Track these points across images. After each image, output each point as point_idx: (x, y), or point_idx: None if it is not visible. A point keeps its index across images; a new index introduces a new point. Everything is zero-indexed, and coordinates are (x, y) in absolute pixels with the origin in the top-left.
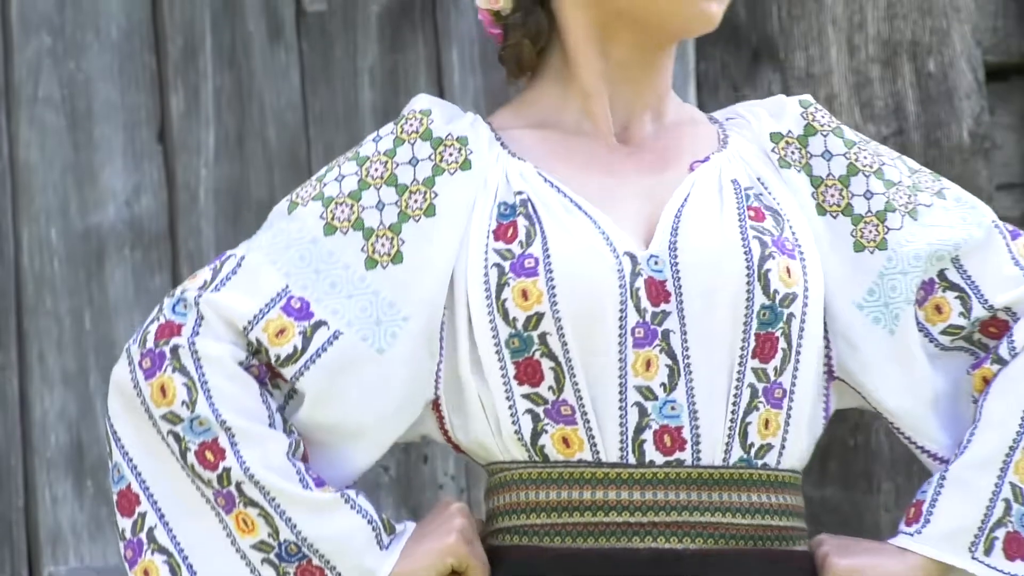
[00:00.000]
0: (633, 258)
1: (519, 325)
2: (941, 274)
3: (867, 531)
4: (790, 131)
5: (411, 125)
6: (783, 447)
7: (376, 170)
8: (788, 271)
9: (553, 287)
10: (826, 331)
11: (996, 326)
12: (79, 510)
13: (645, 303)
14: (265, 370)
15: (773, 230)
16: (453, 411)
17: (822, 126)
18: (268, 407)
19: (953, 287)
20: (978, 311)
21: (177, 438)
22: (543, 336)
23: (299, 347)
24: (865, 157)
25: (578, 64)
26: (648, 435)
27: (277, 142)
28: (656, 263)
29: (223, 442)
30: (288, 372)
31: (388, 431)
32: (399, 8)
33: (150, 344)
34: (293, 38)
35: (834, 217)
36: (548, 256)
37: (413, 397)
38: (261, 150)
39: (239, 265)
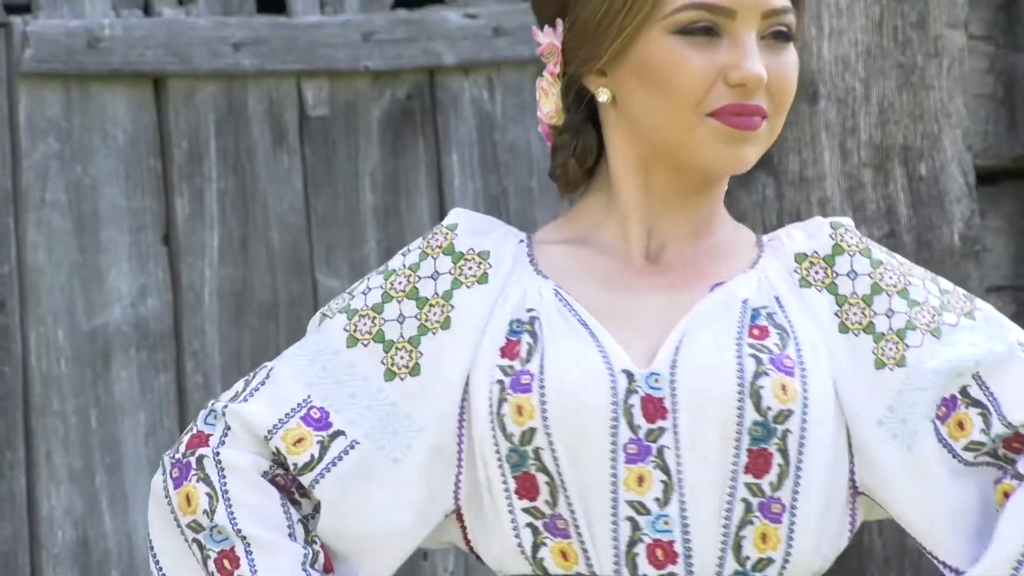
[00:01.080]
0: (630, 375)
1: (516, 440)
2: (963, 391)
3: None
4: (815, 251)
5: (436, 240)
6: (787, 560)
7: (400, 283)
8: (784, 388)
9: (545, 403)
10: (851, 447)
11: (1019, 441)
12: None
13: (639, 420)
14: (292, 480)
15: (774, 348)
16: (474, 521)
17: (849, 246)
18: (289, 517)
19: (975, 403)
20: (998, 428)
21: (200, 546)
22: (537, 451)
23: (316, 456)
24: (890, 277)
25: (621, 189)
26: (641, 549)
27: (280, 244)
28: (656, 380)
29: (239, 551)
30: (306, 480)
31: (406, 540)
32: (400, 113)
33: (180, 454)
34: (296, 143)
35: (856, 335)
36: (543, 373)
37: (430, 507)
38: (264, 252)
39: (268, 376)
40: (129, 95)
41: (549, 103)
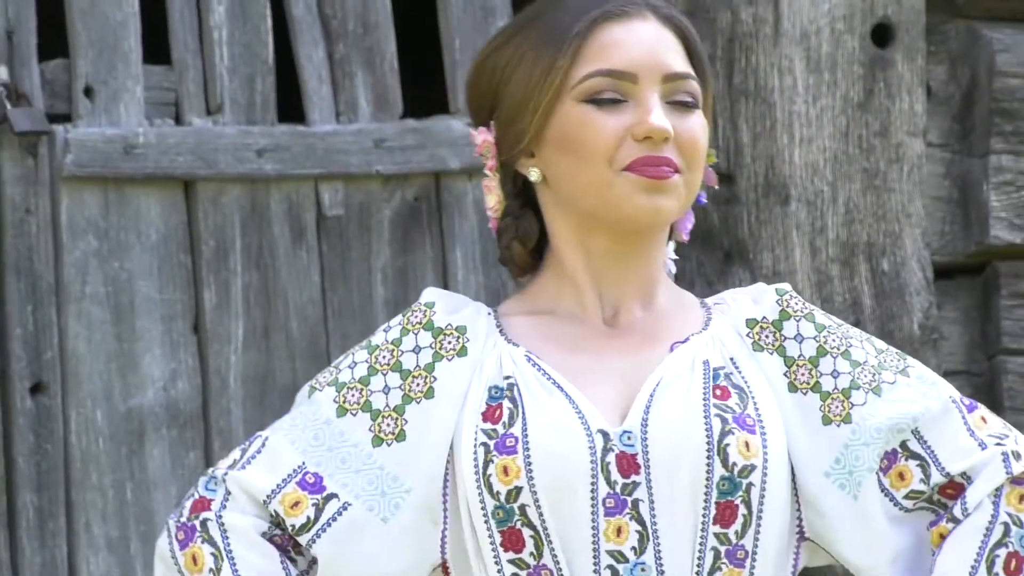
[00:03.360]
0: (605, 435)
1: (502, 498)
2: (903, 444)
3: None
4: (764, 317)
5: (416, 316)
6: None
7: (384, 357)
8: (747, 445)
9: (530, 463)
10: (797, 497)
11: (953, 488)
12: None
13: (616, 475)
14: (288, 539)
15: (736, 407)
16: (460, 573)
17: (795, 312)
18: (287, 572)
19: (914, 456)
20: (936, 478)
21: None
22: (523, 508)
23: (311, 517)
24: (833, 340)
25: (565, 259)
26: None
27: (299, 333)
28: (628, 438)
29: None
30: (303, 540)
31: None
32: (408, 213)
33: (184, 518)
34: (314, 240)
35: (804, 394)
36: (526, 435)
37: (419, 562)
38: (285, 341)
39: (263, 445)
40: (161, 197)
41: (492, 198)
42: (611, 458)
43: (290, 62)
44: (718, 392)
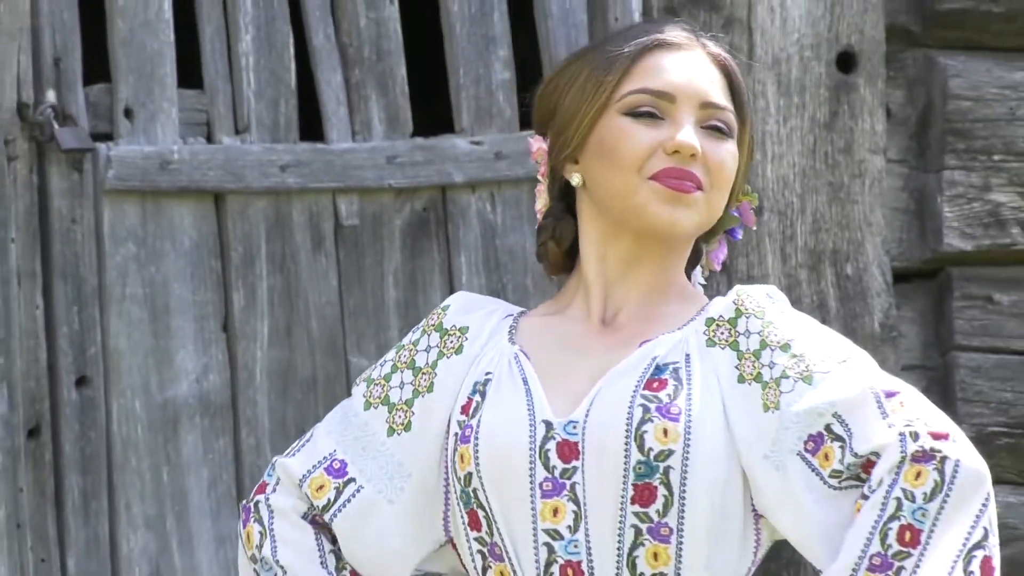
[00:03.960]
0: (548, 424)
1: (462, 482)
2: (828, 427)
3: None
4: (722, 315)
5: (432, 319)
6: (678, 573)
7: (404, 356)
8: (665, 432)
9: (477, 452)
10: (745, 477)
11: (871, 467)
12: None
13: (555, 461)
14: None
15: (665, 398)
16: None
17: (747, 309)
18: (321, 548)
19: (837, 438)
20: (849, 458)
21: (257, 574)
22: (475, 491)
23: (331, 499)
24: (776, 334)
25: (585, 262)
26: (556, 569)
27: (318, 332)
28: (573, 427)
29: None
30: (326, 518)
31: (403, 564)
32: (417, 223)
33: (249, 501)
34: (332, 247)
35: (749, 384)
36: (479, 426)
37: (421, 538)
38: (305, 338)
39: (311, 436)
40: (194, 208)
41: (541, 200)
42: (551, 445)
43: (311, 86)
44: (654, 384)
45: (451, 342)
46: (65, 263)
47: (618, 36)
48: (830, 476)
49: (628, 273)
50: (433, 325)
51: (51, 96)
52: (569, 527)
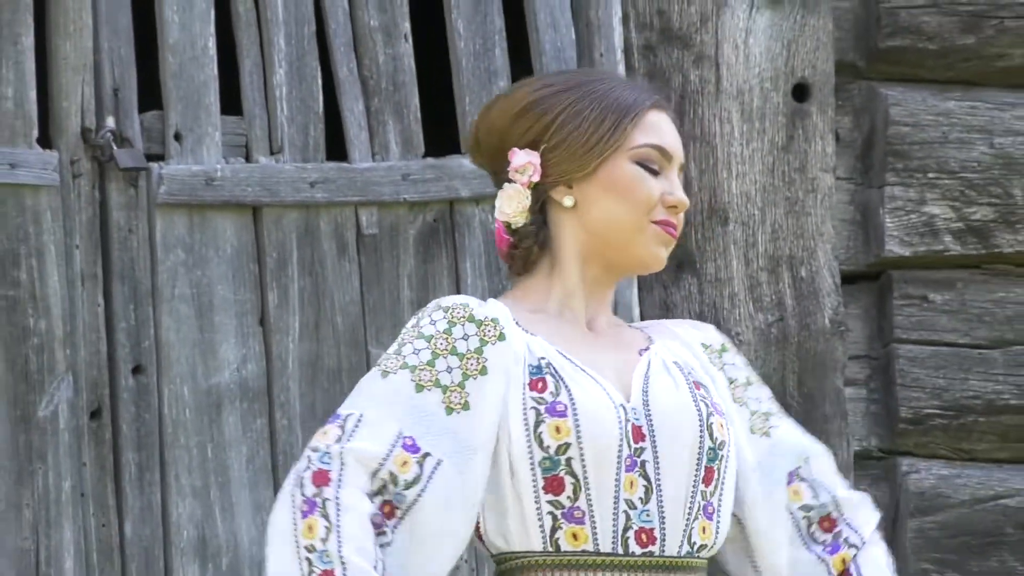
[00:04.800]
0: (624, 408)
1: (551, 451)
2: (796, 471)
3: None
4: (711, 344)
5: (458, 312)
6: (713, 546)
7: (441, 344)
8: (722, 426)
9: (579, 426)
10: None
11: (829, 522)
12: None
13: (631, 441)
14: (382, 519)
15: (709, 396)
16: (488, 510)
17: (729, 350)
18: (377, 555)
19: (803, 480)
20: (824, 496)
21: (310, 562)
22: (569, 460)
23: (418, 473)
24: (754, 377)
25: (565, 271)
26: (631, 534)
27: (343, 326)
28: (635, 413)
29: (337, 572)
30: (411, 493)
31: (470, 528)
32: (428, 232)
33: (309, 492)
34: (354, 253)
35: (740, 406)
36: (574, 403)
37: (480, 503)
38: (331, 332)
39: (360, 420)
40: (235, 219)
41: (515, 205)
42: (628, 427)
43: (336, 113)
44: (698, 386)
45: (490, 331)
46: (123, 267)
47: (606, 80)
48: (799, 509)
49: (597, 289)
50: (463, 317)
51: (111, 122)
52: (641, 499)
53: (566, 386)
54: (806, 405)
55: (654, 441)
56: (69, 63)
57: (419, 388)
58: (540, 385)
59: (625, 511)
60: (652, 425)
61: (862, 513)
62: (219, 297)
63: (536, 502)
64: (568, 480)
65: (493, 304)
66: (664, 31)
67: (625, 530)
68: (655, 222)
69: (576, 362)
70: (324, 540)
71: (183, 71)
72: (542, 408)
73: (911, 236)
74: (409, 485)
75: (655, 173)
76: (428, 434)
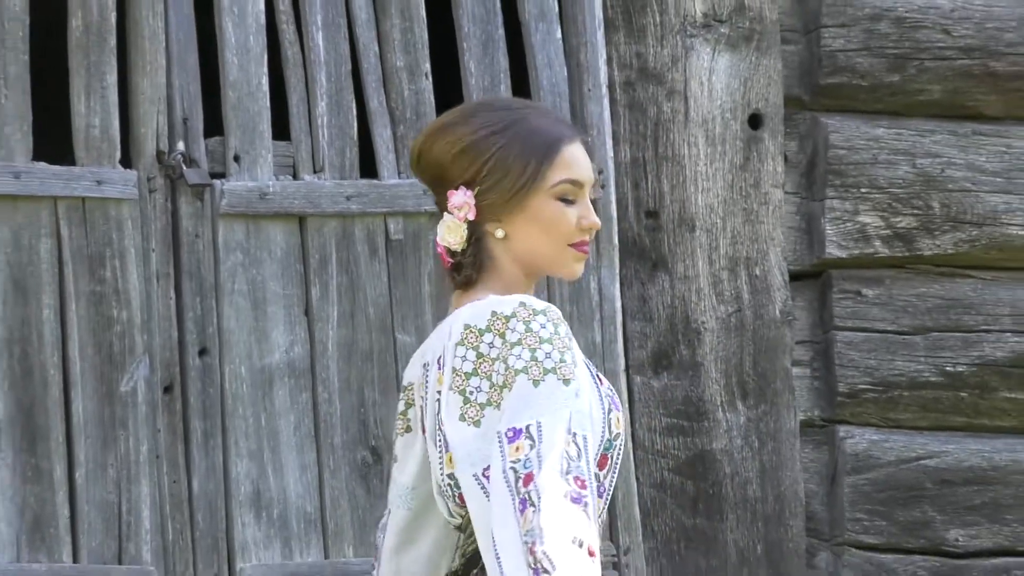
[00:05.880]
0: None
1: (612, 438)
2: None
3: (719, 548)
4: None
5: (553, 314)
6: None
7: (560, 344)
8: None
9: (621, 420)
10: None
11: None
12: (258, 531)
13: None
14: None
15: None
16: None
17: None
18: None
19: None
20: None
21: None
22: (619, 445)
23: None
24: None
25: (513, 285)
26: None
27: (373, 316)
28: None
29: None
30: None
31: None
32: None
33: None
34: (384, 255)
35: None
36: (612, 399)
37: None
38: (364, 321)
39: (540, 426)
40: (283, 227)
41: (455, 236)
42: None
43: (368, 138)
44: None
45: (568, 333)
46: (191, 267)
47: (526, 121)
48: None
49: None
50: (559, 318)
51: (181, 146)
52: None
53: (602, 386)
54: (760, 382)
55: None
56: (146, 97)
57: (566, 383)
58: (599, 382)
59: (614, 486)
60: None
61: None
62: (271, 292)
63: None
64: (609, 462)
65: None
66: (641, 70)
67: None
68: (572, 245)
69: None
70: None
71: (241, 104)
72: (603, 402)
73: (847, 241)
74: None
75: (571, 202)
76: (578, 419)
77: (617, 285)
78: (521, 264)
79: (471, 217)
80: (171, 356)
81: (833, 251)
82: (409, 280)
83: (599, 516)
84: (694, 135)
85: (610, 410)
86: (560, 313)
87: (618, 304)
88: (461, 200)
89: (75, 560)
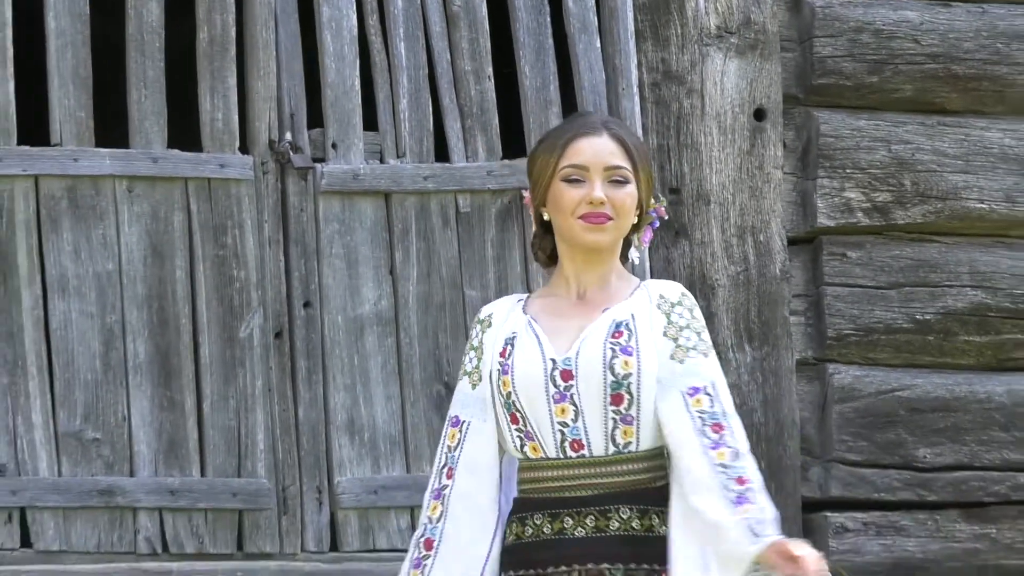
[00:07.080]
0: (553, 360)
1: (504, 397)
2: (704, 387)
3: None
4: (667, 298)
5: (476, 320)
6: (638, 443)
7: (468, 346)
8: (626, 363)
9: (513, 379)
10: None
11: (719, 427)
12: (352, 451)
13: (559, 381)
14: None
15: (623, 342)
16: (501, 436)
17: (682, 304)
18: None
19: (708, 395)
20: (715, 411)
21: None
22: (513, 402)
23: (460, 439)
24: (693, 325)
25: (562, 260)
26: (567, 444)
27: (446, 275)
28: (567, 361)
29: None
30: (457, 452)
31: (497, 463)
32: (505, 211)
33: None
34: (455, 225)
35: (669, 339)
36: (513, 364)
37: (497, 445)
38: (439, 280)
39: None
40: (372, 202)
41: (534, 225)
42: (556, 372)
43: (441, 129)
44: (616, 334)
45: (486, 324)
46: (297, 235)
47: (557, 130)
48: (697, 413)
49: (585, 267)
50: (476, 322)
51: (288, 136)
52: (571, 420)
53: (513, 351)
54: (763, 328)
55: (577, 380)
56: (260, 96)
57: (460, 379)
58: (504, 353)
59: (560, 430)
60: (577, 368)
61: (740, 435)
62: (362, 255)
63: (509, 430)
64: (518, 415)
65: (505, 300)
66: (666, 72)
67: (562, 441)
68: (579, 218)
69: (537, 331)
70: None
71: (337, 101)
72: (500, 368)
73: (835, 213)
74: (453, 449)
75: (580, 183)
76: (467, 408)
77: (646, 249)
78: (560, 236)
79: (531, 208)
80: (280, 308)
81: (823, 221)
82: (475, 245)
83: None
84: (709, 126)
85: (500, 377)
86: (482, 314)
87: (647, 265)
88: (526, 197)
89: (202, 474)
